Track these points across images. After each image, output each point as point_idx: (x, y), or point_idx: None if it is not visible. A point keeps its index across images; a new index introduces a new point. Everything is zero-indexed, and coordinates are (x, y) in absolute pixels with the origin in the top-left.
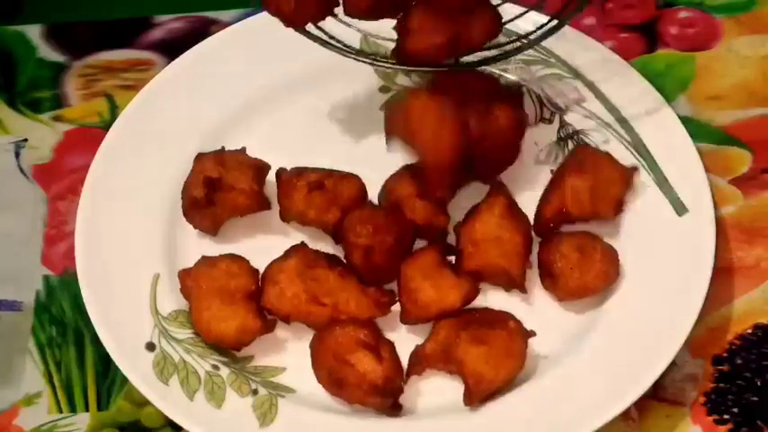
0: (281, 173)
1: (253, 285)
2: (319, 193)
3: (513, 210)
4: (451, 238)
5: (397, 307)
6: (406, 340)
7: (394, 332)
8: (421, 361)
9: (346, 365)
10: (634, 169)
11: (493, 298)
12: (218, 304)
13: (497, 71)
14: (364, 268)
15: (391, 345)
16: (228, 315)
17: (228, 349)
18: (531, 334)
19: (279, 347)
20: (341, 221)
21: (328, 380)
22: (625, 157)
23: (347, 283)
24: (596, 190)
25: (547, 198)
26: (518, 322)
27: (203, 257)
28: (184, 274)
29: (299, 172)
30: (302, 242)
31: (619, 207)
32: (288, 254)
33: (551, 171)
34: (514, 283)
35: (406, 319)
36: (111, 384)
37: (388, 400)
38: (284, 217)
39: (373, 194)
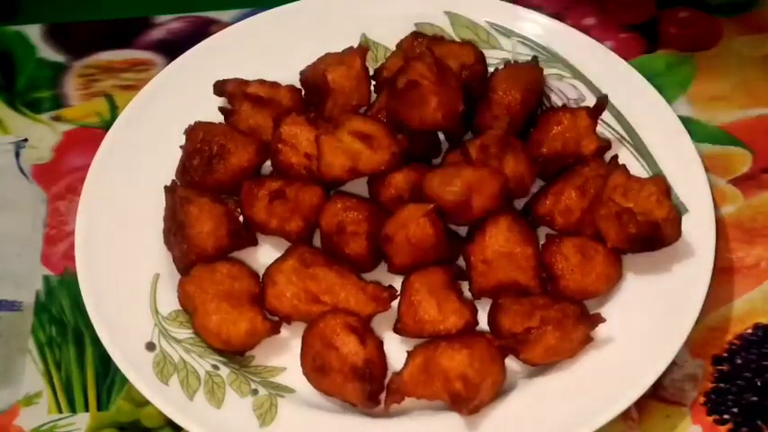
0: (243, 184)
1: (255, 287)
2: (280, 203)
3: (519, 221)
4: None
5: (394, 309)
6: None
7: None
8: (399, 388)
9: (331, 349)
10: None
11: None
12: (226, 308)
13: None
14: (366, 255)
15: (379, 339)
16: (237, 318)
17: (233, 353)
18: (506, 353)
19: (279, 347)
20: (304, 230)
21: (312, 367)
22: (625, 156)
23: (346, 280)
24: (589, 214)
25: (541, 196)
26: (493, 339)
27: (199, 264)
28: (185, 282)
29: (260, 182)
30: (301, 241)
31: None
32: (286, 254)
33: None
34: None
35: (401, 330)
36: (111, 384)
37: (366, 386)
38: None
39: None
